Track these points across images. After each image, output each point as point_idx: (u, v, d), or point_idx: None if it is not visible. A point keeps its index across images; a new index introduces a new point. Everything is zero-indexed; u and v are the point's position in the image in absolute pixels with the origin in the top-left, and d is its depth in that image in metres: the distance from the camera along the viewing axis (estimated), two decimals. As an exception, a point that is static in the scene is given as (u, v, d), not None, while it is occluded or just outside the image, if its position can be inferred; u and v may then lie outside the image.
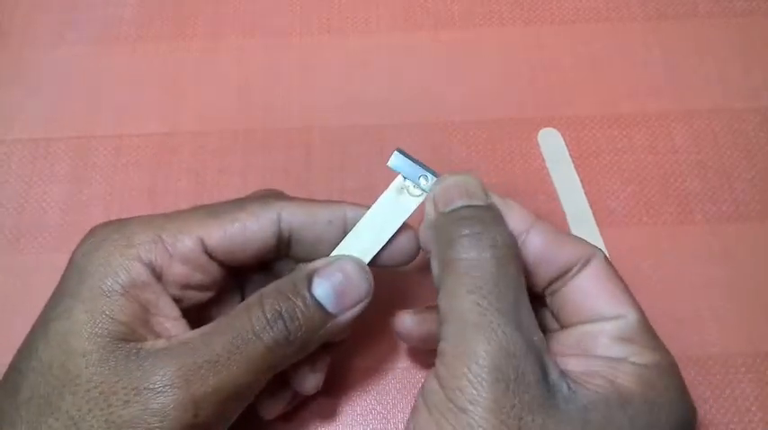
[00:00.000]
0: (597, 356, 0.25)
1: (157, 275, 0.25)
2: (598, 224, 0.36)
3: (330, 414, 0.32)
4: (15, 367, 0.24)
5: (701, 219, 0.36)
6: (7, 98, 0.40)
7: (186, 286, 0.26)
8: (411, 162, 0.28)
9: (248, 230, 0.26)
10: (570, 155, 0.38)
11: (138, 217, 0.26)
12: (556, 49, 0.41)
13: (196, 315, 0.27)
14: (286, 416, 0.31)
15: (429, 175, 0.27)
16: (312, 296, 0.25)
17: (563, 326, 0.27)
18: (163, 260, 0.25)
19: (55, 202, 0.37)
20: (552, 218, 0.36)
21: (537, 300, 0.27)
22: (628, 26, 0.41)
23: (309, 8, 0.42)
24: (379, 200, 0.28)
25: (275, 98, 0.40)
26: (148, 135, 0.39)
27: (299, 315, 0.24)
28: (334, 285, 0.25)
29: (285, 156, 0.38)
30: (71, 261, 0.25)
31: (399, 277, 0.34)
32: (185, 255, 0.25)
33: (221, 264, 0.27)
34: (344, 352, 0.32)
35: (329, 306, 0.25)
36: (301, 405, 0.31)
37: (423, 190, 0.27)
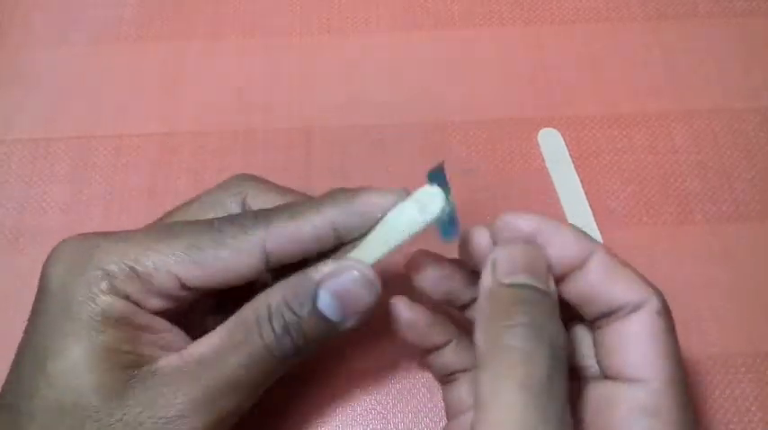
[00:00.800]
0: None
1: (138, 304, 0.24)
2: (598, 224, 0.36)
3: (330, 414, 0.32)
4: (13, 407, 0.23)
5: (700, 219, 0.36)
6: (7, 98, 0.40)
7: (163, 314, 0.25)
8: (445, 181, 0.26)
9: (230, 269, 0.25)
10: (570, 155, 0.38)
11: (110, 239, 0.25)
12: (556, 49, 0.41)
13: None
14: (286, 416, 0.31)
15: (448, 201, 0.26)
16: (317, 310, 0.25)
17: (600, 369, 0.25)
18: (139, 294, 0.24)
19: (55, 202, 0.37)
20: (553, 218, 0.36)
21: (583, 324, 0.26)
22: (628, 26, 0.41)
23: (309, 8, 0.42)
24: (396, 208, 0.26)
25: (275, 98, 0.40)
26: (148, 135, 0.39)
27: (306, 329, 0.24)
28: (338, 297, 0.25)
29: (285, 156, 0.38)
30: (45, 287, 0.24)
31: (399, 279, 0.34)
32: (161, 292, 0.24)
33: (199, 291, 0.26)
34: (344, 353, 0.32)
35: (333, 316, 0.25)
36: (301, 405, 0.31)
37: (439, 211, 0.25)
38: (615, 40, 0.41)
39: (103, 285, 0.24)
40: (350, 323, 0.25)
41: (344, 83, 0.40)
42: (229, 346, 0.24)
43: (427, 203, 0.25)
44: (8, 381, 0.24)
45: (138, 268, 0.24)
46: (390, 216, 0.26)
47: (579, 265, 0.24)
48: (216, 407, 0.23)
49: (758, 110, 0.39)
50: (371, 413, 0.32)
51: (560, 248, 0.24)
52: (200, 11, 0.42)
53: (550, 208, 0.36)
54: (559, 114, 0.39)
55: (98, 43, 0.41)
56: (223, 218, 0.26)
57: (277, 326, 0.24)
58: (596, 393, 0.25)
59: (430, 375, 0.32)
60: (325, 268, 0.25)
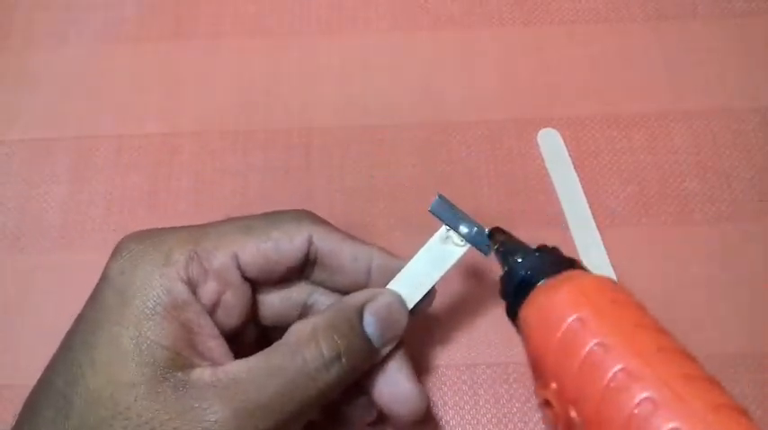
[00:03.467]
0: None
1: (194, 292, 0.25)
2: (598, 224, 0.36)
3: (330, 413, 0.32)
4: (59, 391, 0.23)
5: (700, 219, 0.36)
6: (8, 98, 0.40)
7: (217, 305, 0.25)
8: (452, 209, 0.28)
9: (281, 249, 0.26)
10: (570, 155, 0.38)
11: (172, 230, 0.26)
12: (555, 49, 0.41)
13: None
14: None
15: (471, 226, 0.28)
16: (364, 332, 0.25)
17: None
18: (199, 276, 0.25)
19: (56, 202, 0.37)
20: (552, 218, 0.36)
21: None
22: (628, 26, 0.41)
23: (309, 8, 0.42)
24: (423, 248, 0.28)
25: (275, 98, 0.40)
26: (149, 135, 0.39)
27: (357, 352, 0.25)
28: (381, 321, 0.26)
29: (285, 156, 0.38)
30: (106, 278, 0.24)
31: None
32: (219, 272, 0.25)
33: (252, 283, 0.27)
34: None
35: (375, 341, 0.25)
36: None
37: (465, 239, 0.28)
38: (615, 41, 0.41)
39: (166, 270, 0.24)
40: (387, 349, 0.26)
41: (344, 83, 0.40)
42: (268, 371, 0.23)
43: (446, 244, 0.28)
44: (57, 362, 0.24)
45: (199, 250, 0.25)
46: (421, 256, 0.28)
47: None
48: (246, 427, 0.22)
49: (758, 110, 0.39)
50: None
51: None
52: (200, 11, 0.42)
53: (550, 208, 0.36)
54: (559, 114, 0.39)
55: (98, 43, 0.41)
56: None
57: (326, 348, 0.24)
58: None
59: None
60: (361, 295, 0.26)
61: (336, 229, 0.28)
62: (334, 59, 0.41)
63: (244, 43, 0.41)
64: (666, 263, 0.35)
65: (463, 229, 0.28)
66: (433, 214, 0.28)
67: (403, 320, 0.27)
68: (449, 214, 0.28)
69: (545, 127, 0.38)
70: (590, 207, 0.36)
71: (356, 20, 0.42)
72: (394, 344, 0.26)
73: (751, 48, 0.40)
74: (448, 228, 0.28)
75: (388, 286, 0.27)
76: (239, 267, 0.26)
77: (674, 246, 0.35)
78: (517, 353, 0.33)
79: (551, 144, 0.38)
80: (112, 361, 0.23)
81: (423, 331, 0.33)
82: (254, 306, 0.28)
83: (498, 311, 0.34)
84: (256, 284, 0.27)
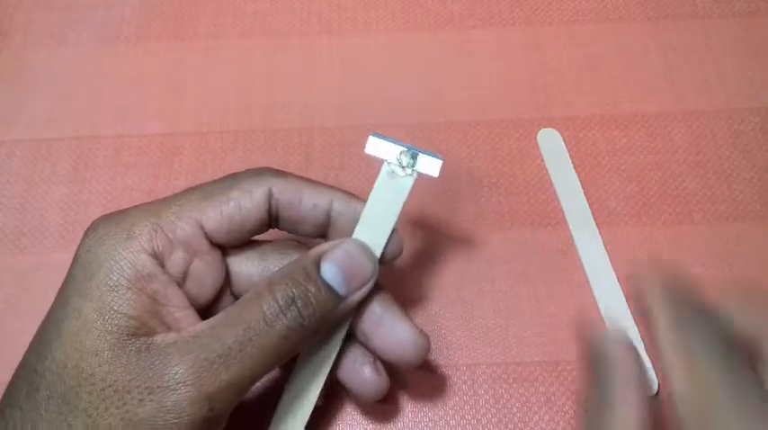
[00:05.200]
0: None
1: (162, 264, 0.25)
2: (598, 224, 0.36)
3: (330, 413, 0.32)
4: (31, 367, 0.24)
5: (700, 218, 0.36)
6: (8, 98, 0.40)
7: (187, 275, 0.26)
8: (389, 143, 0.27)
9: (243, 208, 0.26)
10: (570, 155, 0.38)
11: (136, 207, 0.26)
12: (556, 49, 0.41)
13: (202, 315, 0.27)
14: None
15: (411, 151, 0.27)
16: (323, 280, 0.25)
17: None
18: (164, 247, 0.25)
19: (56, 202, 0.37)
20: (552, 218, 0.36)
21: None
22: (627, 26, 0.41)
23: (309, 8, 0.42)
24: (372, 191, 0.27)
25: (275, 98, 0.40)
26: (149, 135, 0.39)
27: (313, 300, 0.24)
28: (342, 268, 0.25)
29: (285, 157, 0.38)
30: (75, 257, 0.25)
31: (396, 278, 0.34)
32: (185, 241, 0.26)
33: (221, 248, 0.27)
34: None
35: (339, 288, 0.25)
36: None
37: (411, 168, 0.27)
38: (615, 40, 0.41)
39: (128, 243, 0.25)
40: (355, 297, 0.26)
41: (344, 83, 0.40)
42: (226, 323, 0.24)
43: (403, 161, 0.27)
44: (32, 342, 0.25)
45: (161, 222, 0.25)
46: (374, 198, 0.27)
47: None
48: (203, 383, 0.23)
49: (758, 110, 0.39)
50: (371, 413, 0.32)
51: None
52: (200, 11, 0.42)
53: (550, 208, 0.36)
54: (559, 114, 0.39)
55: (99, 43, 0.41)
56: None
57: (281, 297, 0.24)
58: None
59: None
60: (323, 245, 0.26)
61: (298, 178, 0.28)
62: (334, 59, 0.41)
63: (244, 43, 0.41)
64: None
65: (405, 159, 0.27)
66: (371, 155, 0.27)
67: (368, 265, 0.26)
68: (387, 149, 0.27)
69: (545, 127, 0.38)
70: (590, 207, 0.36)
71: (356, 20, 0.42)
72: (364, 291, 0.26)
73: (751, 48, 0.40)
74: (389, 162, 0.27)
75: (351, 236, 0.27)
76: (205, 234, 0.26)
77: (673, 246, 0.35)
78: (517, 353, 0.33)
79: (551, 144, 0.38)
80: (78, 331, 0.23)
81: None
82: (229, 276, 0.28)
83: (498, 310, 0.34)
84: (228, 251, 0.28)
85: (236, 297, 0.28)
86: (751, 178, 0.37)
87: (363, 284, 0.26)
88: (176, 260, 0.25)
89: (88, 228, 0.26)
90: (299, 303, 0.24)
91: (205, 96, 0.40)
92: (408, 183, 0.27)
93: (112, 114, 0.39)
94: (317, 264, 0.25)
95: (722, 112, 0.39)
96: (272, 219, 0.28)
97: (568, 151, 0.38)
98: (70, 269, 0.25)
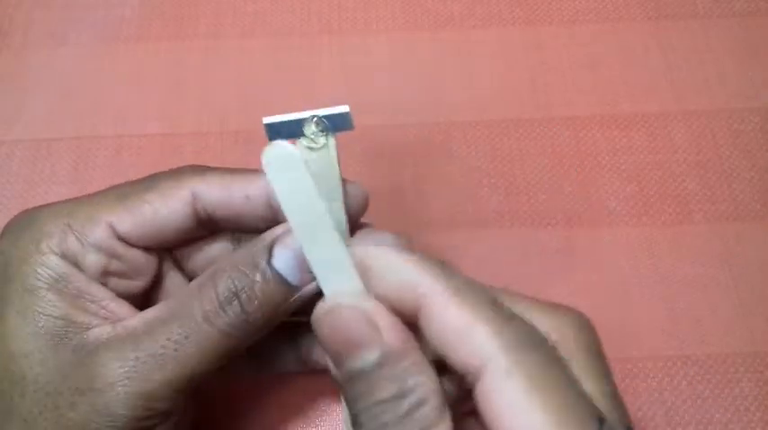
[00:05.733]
0: None
1: (76, 265, 0.23)
2: (598, 224, 0.35)
3: (330, 413, 0.32)
4: None
5: (700, 218, 0.36)
6: (8, 98, 0.40)
7: (107, 274, 0.24)
8: (287, 122, 0.24)
9: (159, 214, 0.24)
10: (568, 155, 0.37)
11: (48, 205, 0.25)
12: (556, 49, 0.41)
13: (142, 302, 0.25)
14: (286, 415, 0.31)
15: (315, 118, 0.24)
16: (272, 268, 0.22)
17: None
18: (76, 249, 0.23)
19: (56, 203, 0.37)
20: (552, 218, 0.36)
21: None
22: (628, 26, 0.41)
23: (309, 8, 0.42)
24: (298, 173, 0.22)
25: (275, 98, 0.40)
26: (149, 135, 0.39)
27: (258, 292, 0.22)
28: (296, 254, 0.22)
29: (285, 157, 0.38)
30: None
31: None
32: (97, 244, 0.24)
33: (144, 249, 0.25)
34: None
35: (291, 278, 0.22)
36: (301, 404, 0.31)
37: (321, 135, 0.24)
38: (615, 40, 0.41)
39: (39, 245, 0.23)
40: (311, 286, 0.23)
41: (344, 83, 0.40)
42: (160, 319, 0.22)
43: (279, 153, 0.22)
44: None
45: (72, 222, 0.24)
46: (285, 207, 0.22)
47: (416, 312, 0.20)
48: (137, 383, 0.21)
49: (758, 110, 0.39)
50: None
51: (391, 292, 0.21)
52: (200, 11, 0.42)
53: (550, 208, 0.36)
54: (559, 114, 0.39)
55: (99, 43, 0.41)
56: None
57: (223, 290, 0.22)
58: None
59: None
60: (279, 228, 0.23)
61: (221, 172, 0.25)
62: (334, 59, 0.41)
63: (244, 43, 0.41)
64: (666, 263, 0.35)
65: (313, 129, 0.24)
66: (277, 140, 0.22)
67: None
68: (288, 127, 0.24)
69: (545, 127, 0.38)
70: (590, 207, 0.36)
71: (356, 20, 0.42)
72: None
73: (751, 47, 0.40)
74: (298, 138, 0.24)
75: None
76: (119, 237, 0.24)
77: (673, 246, 0.35)
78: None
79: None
80: (4, 337, 0.22)
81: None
82: (176, 264, 0.26)
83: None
84: (167, 249, 0.25)
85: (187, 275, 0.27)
86: (751, 178, 0.37)
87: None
88: (91, 261, 0.24)
89: (4, 228, 0.25)
90: (243, 297, 0.22)
91: (205, 96, 0.40)
92: (331, 143, 0.24)
93: (112, 114, 0.39)
94: (269, 250, 0.23)
95: (722, 112, 0.39)
96: (203, 221, 0.25)
97: (568, 151, 0.38)
98: None
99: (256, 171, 0.25)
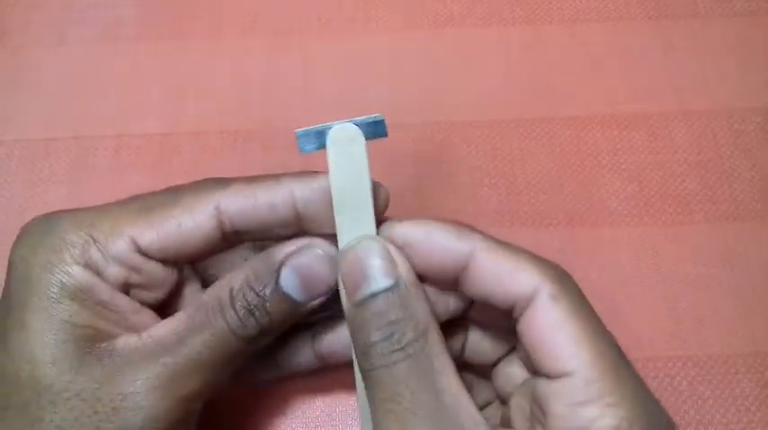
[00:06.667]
0: None
1: (98, 274, 0.24)
2: (599, 224, 0.35)
3: (330, 413, 0.32)
4: None
5: (700, 218, 0.36)
6: (6, 98, 0.40)
7: (127, 286, 0.24)
8: (319, 130, 0.24)
9: (184, 228, 0.24)
10: (569, 155, 0.37)
11: (69, 212, 0.25)
12: (556, 48, 0.41)
13: (161, 308, 0.26)
14: (285, 415, 0.31)
15: (334, 125, 0.24)
16: (280, 289, 0.24)
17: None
18: (98, 260, 0.24)
19: (55, 203, 0.37)
20: (552, 218, 0.36)
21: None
22: (628, 26, 0.41)
23: (309, 8, 0.42)
24: (331, 179, 0.24)
25: (275, 98, 0.40)
26: (148, 135, 0.39)
27: (270, 309, 0.24)
28: (301, 277, 0.24)
29: (285, 157, 0.38)
30: (11, 264, 0.24)
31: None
32: (119, 257, 0.24)
33: (164, 262, 0.25)
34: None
35: (297, 296, 0.25)
36: (301, 404, 0.31)
37: (350, 138, 0.24)
38: (615, 40, 0.41)
39: (62, 255, 0.23)
40: (314, 303, 0.25)
41: (344, 83, 0.40)
42: (190, 327, 0.24)
43: (344, 136, 0.24)
44: None
45: (95, 233, 0.24)
46: (333, 180, 0.24)
47: (462, 268, 0.24)
48: (176, 386, 0.23)
49: (759, 109, 0.39)
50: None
51: (433, 257, 0.24)
52: (200, 11, 0.42)
53: (550, 208, 0.36)
54: (559, 114, 0.39)
55: (98, 43, 0.41)
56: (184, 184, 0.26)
57: (240, 307, 0.24)
58: (536, 392, 0.23)
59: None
60: (287, 248, 0.25)
61: (244, 181, 0.25)
62: (334, 59, 0.41)
63: (244, 43, 0.41)
64: (666, 263, 0.35)
65: (342, 134, 0.24)
66: (310, 151, 0.25)
67: (329, 274, 0.25)
68: (319, 136, 0.24)
69: (546, 126, 0.38)
70: (591, 207, 0.36)
71: (356, 20, 0.42)
72: (324, 295, 0.25)
73: (751, 48, 0.40)
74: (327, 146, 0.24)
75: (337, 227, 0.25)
76: (140, 251, 0.24)
77: (674, 246, 0.35)
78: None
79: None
80: (25, 341, 0.22)
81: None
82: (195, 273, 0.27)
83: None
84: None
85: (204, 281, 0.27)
86: (752, 178, 0.37)
87: (324, 293, 0.25)
88: (113, 273, 0.24)
89: (21, 231, 0.25)
90: (257, 313, 0.24)
91: (205, 96, 0.40)
92: (360, 147, 0.24)
93: (112, 114, 0.39)
94: (277, 271, 0.24)
95: (723, 112, 0.39)
96: (228, 234, 0.25)
97: (569, 151, 0.38)
98: (8, 276, 0.24)
99: (276, 177, 0.25)
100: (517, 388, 0.26)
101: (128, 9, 0.42)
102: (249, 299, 0.24)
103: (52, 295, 0.23)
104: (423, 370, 0.22)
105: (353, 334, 0.24)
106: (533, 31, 0.41)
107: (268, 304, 0.24)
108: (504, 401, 0.27)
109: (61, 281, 0.23)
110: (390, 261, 0.23)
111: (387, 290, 0.23)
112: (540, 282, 0.23)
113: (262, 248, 0.27)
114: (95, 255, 0.24)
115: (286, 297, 0.24)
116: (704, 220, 0.36)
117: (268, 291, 0.24)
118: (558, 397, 0.22)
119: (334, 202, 0.24)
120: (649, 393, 0.22)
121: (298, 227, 0.26)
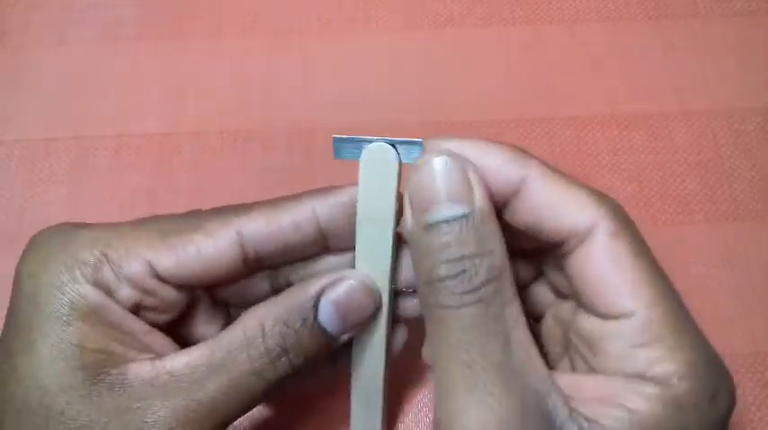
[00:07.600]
0: (614, 373, 0.21)
1: (110, 295, 0.23)
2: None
3: (330, 413, 0.32)
4: None
5: (701, 218, 0.36)
6: (6, 98, 0.40)
7: (139, 307, 0.23)
8: (355, 140, 0.24)
9: (205, 255, 0.23)
10: (570, 155, 0.37)
11: (84, 227, 0.24)
12: (556, 48, 0.41)
13: (171, 329, 0.25)
14: (286, 415, 0.31)
15: (373, 140, 0.24)
16: (318, 323, 0.23)
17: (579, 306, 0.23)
18: (110, 280, 0.23)
19: (55, 202, 0.37)
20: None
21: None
22: (628, 25, 0.41)
23: (309, 8, 0.42)
24: (359, 194, 0.24)
25: (275, 98, 0.40)
26: (148, 135, 0.39)
27: (306, 347, 0.23)
28: (340, 309, 0.23)
29: (285, 157, 0.38)
30: (18, 281, 0.23)
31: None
32: (133, 279, 0.23)
33: (178, 287, 0.24)
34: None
35: (333, 330, 0.23)
36: (301, 404, 0.31)
37: (385, 158, 0.24)
38: (615, 40, 0.41)
39: (73, 273, 0.22)
40: (348, 336, 0.24)
41: (345, 83, 0.40)
42: (211, 366, 0.22)
43: (377, 155, 0.24)
44: None
45: (110, 253, 0.23)
46: (361, 193, 0.24)
47: (512, 194, 0.22)
48: (192, 425, 0.22)
49: (759, 109, 0.39)
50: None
51: (488, 175, 0.22)
52: (200, 11, 0.42)
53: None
54: (559, 114, 0.39)
55: (98, 43, 0.41)
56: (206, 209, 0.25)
57: (273, 345, 0.22)
58: (583, 328, 0.22)
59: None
60: (321, 280, 0.24)
61: (264, 207, 0.24)
62: (334, 59, 0.41)
63: (244, 43, 0.41)
64: (666, 263, 0.35)
65: (380, 152, 0.23)
66: (341, 154, 0.24)
67: (369, 304, 0.24)
68: (353, 146, 0.24)
69: (546, 126, 0.38)
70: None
71: (356, 20, 0.42)
72: (360, 327, 0.24)
73: (752, 47, 0.40)
74: (358, 158, 0.24)
75: (357, 253, 0.24)
76: (157, 275, 0.23)
77: (674, 246, 0.35)
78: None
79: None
80: (34, 367, 0.21)
81: (421, 332, 0.33)
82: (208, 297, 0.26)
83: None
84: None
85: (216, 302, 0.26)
86: (752, 178, 0.37)
87: (358, 325, 0.24)
88: (125, 294, 0.23)
89: (29, 244, 0.24)
90: (292, 355, 0.23)
91: (205, 96, 0.40)
92: (392, 168, 0.24)
93: (112, 114, 0.39)
94: (315, 304, 0.23)
95: (723, 112, 0.39)
96: (249, 261, 0.24)
97: (569, 151, 0.38)
98: (14, 293, 0.23)
99: (296, 197, 0.25)
100: (546, 310, 0.25)
101: (128, 9, 0.42)
102: (285, 335, 0.22)
103: (61, 316, 0.22)
104: (494, 318, 0.20)
105: (417, 260, 0.21)
106: (533, 31, 0.41)
107: (305, 341, 0.23)
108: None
109: (71, 301, 0.22)
110: (468, 185, 0.21)
111: (461, 217, 0.20)
112: (598, 216, 0.21)
113: (276, 275, 0.26)
114: (108, 274, 0.23)
115: (322, 332, 0.23)
116: (704, 220, 0.36)
117: (306, 327, 0.23)
118: (614, 337, 0.20)
119: (357, 215, 0.24)
120: (707, 341, 0.21)
121: (321, 245, 0.25)
